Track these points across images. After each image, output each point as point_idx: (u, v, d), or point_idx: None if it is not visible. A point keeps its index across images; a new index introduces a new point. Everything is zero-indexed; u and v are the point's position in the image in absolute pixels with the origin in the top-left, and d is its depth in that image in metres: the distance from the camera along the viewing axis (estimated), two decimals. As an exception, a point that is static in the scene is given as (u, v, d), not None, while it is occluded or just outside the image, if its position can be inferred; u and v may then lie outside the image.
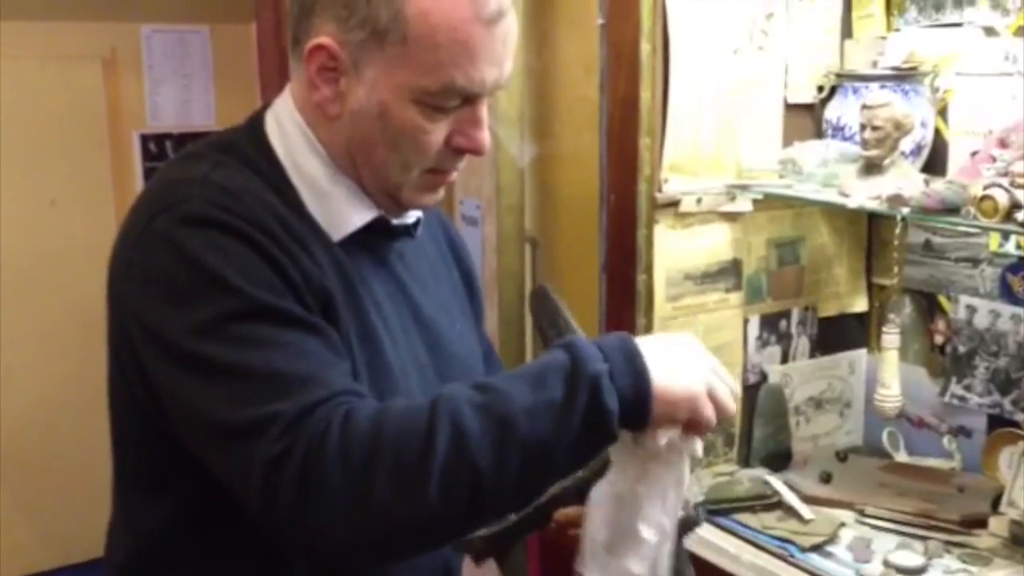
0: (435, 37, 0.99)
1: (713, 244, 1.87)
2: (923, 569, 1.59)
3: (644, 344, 0.95)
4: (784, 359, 2.00)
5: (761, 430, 1.96)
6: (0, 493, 3.53)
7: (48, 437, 3.59)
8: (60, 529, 3.63)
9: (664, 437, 0.95)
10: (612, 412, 0.90)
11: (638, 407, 0.92)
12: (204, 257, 0.97)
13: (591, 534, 1.00)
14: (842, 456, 1.99)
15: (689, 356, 0.97)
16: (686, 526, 1.07)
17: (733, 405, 0.98)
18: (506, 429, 0.89)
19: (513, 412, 0.89)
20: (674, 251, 1.83)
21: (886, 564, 1.60)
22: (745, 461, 1.96)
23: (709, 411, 0.95)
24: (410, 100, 1.02)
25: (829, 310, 2.04)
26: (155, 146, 3.86)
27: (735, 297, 1.91)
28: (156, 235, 1.00)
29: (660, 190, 1.80)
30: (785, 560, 1.65)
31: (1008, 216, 1.45)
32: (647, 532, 0.99)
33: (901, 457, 1.97)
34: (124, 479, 1.14)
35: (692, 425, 0.96)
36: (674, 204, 1.82)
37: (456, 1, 0.99)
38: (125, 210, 3.42)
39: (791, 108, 1.92)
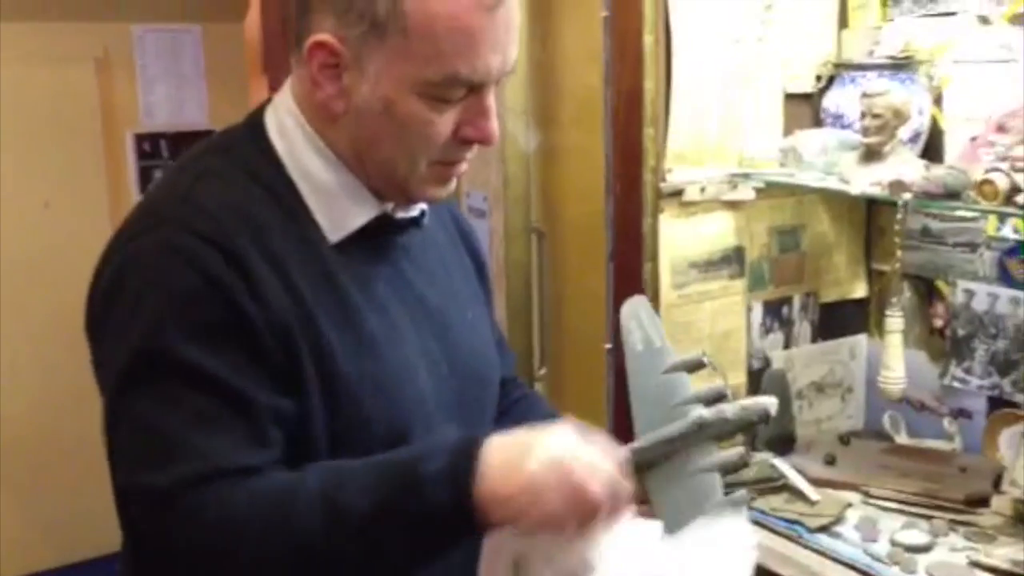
0: (435, 26, 0.99)
1: (716, 232, 1.90)
2: (930, 547, 1.62)
3: (496, 444, 0.95)
4: (787, 344, 2.04)
5: (765, 415, 1.99)
6: (1, 492, 3.53)
7: (47, 436, 3.59)
8: (61, 528, 3.64)
9: (537, 551, 0.99)
10: (444, 506, 0.94)
11: (467, 503, 0.94)
12: (155, 294, 0.99)
13: None
14: (845, 439, 2.02)
15: (535, 460, 0.94)
16: (727, 469, 1.07)
17: (593, 490, 0.95)
18: (341, 522, 0.94)
19: (349, 506, 0.94)
20: (679, 239, 1.86)
21: (893, 543, 1.64)
22: (751, 445, 1.98)
23: (557, 510, 0.94)
24: (414, 92, 1.01)
25: (830, 296, 2.08)
26: (149, 145, 3.86)
27: (738, 284, 1.94)
28: (129, 260, 1.03)
29: (664, 180, 1.83)
30: (795, 541, 1.68)
31: (1008, 199, 1.49)
32: None
33: (902, 439, 2.01)
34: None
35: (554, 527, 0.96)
36: (678, 193, 1.85)
37: None
38: (119, 210, 3.43)
39: (791, 98, 1.96)
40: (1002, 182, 1.49)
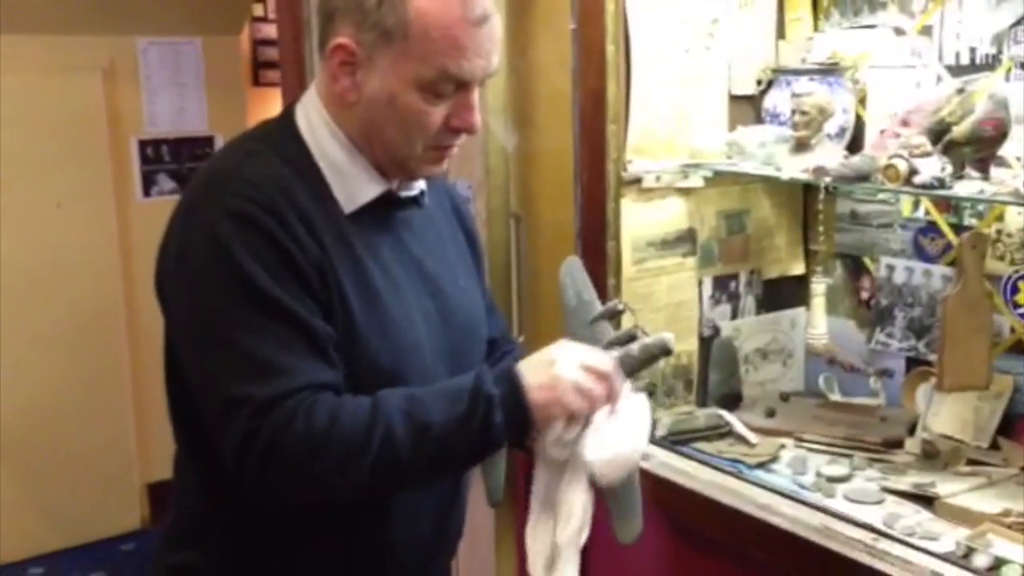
0: (431, 33, 1.22)
1: (671, 215, 2.17)
2: (849, 478, 1.90)
3: (524, 366, 1.25)
4: (734, 315, 2.31)
5: (715, 376, 2.26)
6: (3, 479, 3.73)
7: (50, 427, 3.80)
8: (61, 513, 3.85)
9: (551, 434, 1.27)
10: (499, 424, 1.22)
11: (520, 416, 1.24)
12: (230, 246, 1.22)
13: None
14: (785, 397, 2.31)
15: (556, 365, 1.24)
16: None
17: (600, 388, 1.25)
18: (423, 433, 1.21)
19: (430, 421, 1.21)
20: (638, 221, 2.13)
21: (818, 475, 1.91)
22: (702, 403, 2.25)
23: (576, 403, 1.25)
24: (413, 87, 1.25)
25: (771, 273, 2.35)
26: (152, 151, 4.10)
27: (690, 261, 2.22)
28: (195, 221, 1.27)
29: (625, 169, 2.09)
30: (736, 476, 1.95)
31: (907, 180, 1.77)
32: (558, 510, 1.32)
33: (835, 397, 2.29)
34: (179, 440, 1.41)
35: (570, 417, 1.26)
36: (637, 181, 2.11)
37: (448, 5, 1.23)
38: (125, 209, 3.79)
39: (735, 98, 2.24)
40: (902, 166, 1.77)
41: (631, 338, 1.37)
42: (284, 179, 1.28)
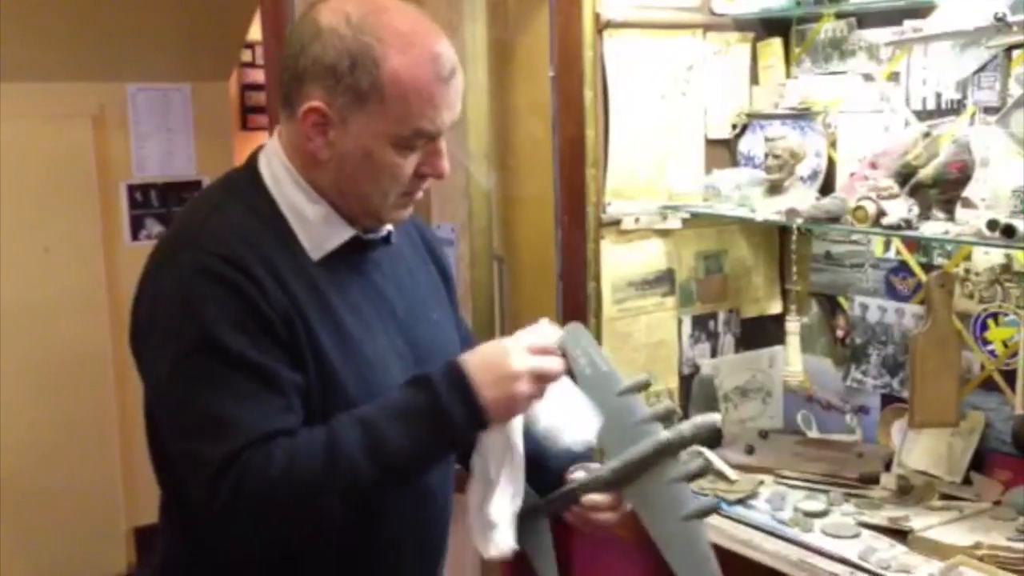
0: (407, 96, 1.26)
1: (650, 256, 2.23)
2: (826, 513, 1.94)
3: (472, 369, 1.25)
4: (713, 354, 2.35)
5: (696, 414, 2.29)
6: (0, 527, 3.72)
7: (37, 470, 3.77)
8: (47, 557, 3.82)
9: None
10: (458, 428, 1.25)
11: (479, 423, 1.26)
12: (195, 302, 1.23)
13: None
14: (764, 434, 2.34)
15: (503, 359, 1.26)
16: (693, 477, 1.33)
17: (554, 363, 1.29)
18: (385, 461, 1.23)
19: (390, 451, 1.23)
20: (618, 262, 2.18)
21: (796, 510, 1.95)
22: (683, 440, 2.29)
23: (532, 391, 1.27)
24: (389, 144, 1.28)
25: (750, 312, 2.40)
26: (140, 195, 4.13)
27: (670, 301, 2.27)
28: (164, 277, 1.31)
29: (604, 212, 2.15)
30: (716, 512, 1.98)
31: (876, 222, 1.83)
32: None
33: (813, 434, 2.33)
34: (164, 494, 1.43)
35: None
36: (616, 223, 2.17)
37: (420, 66, 1.27)
38: (113, 253, 3.77)
39: (710, 142, 2.30)
40: (871, 208, 1.83)
41: (670, 414, 1.37)
42: (250, 230, 1.31)
